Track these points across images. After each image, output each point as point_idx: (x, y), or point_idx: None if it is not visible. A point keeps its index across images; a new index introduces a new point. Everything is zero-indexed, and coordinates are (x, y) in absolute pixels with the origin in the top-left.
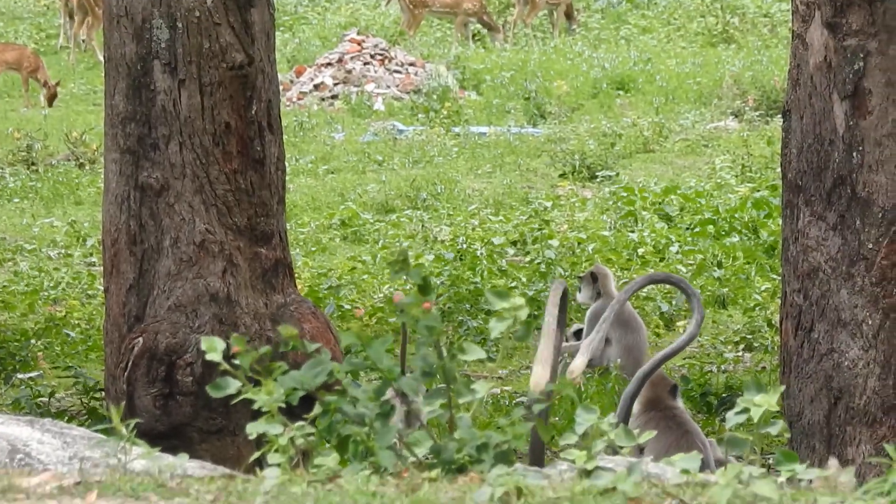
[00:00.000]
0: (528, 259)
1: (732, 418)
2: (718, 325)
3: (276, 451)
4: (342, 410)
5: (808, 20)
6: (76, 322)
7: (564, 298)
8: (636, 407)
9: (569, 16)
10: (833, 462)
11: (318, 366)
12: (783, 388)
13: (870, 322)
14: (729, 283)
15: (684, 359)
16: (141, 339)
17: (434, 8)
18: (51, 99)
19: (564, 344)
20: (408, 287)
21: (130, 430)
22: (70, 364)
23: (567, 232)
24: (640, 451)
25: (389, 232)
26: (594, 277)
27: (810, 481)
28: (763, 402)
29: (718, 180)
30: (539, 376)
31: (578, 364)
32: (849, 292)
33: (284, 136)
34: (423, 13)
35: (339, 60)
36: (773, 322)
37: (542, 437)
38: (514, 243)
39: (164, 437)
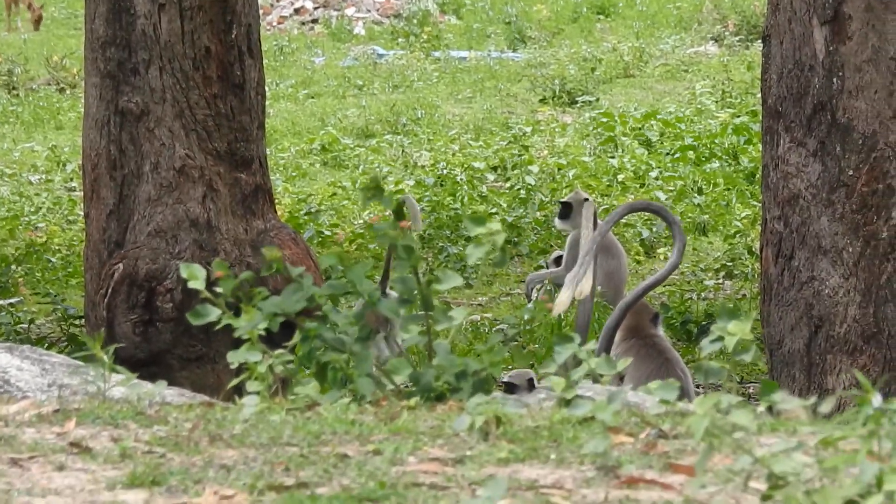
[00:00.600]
0: (508, 185)
1: (707, 346)
2: (699, 253)
3: (256, 378)
4: (322, 336)
5: None
6: (56, 248)
7: (595, 219)
8: (617, 334)
9: None
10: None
11: (298, 291)
12: (755, 315)
13: (850, 250)
14: (709, 209)
15: (665, 286)
16: (121, 265)
17: None
18: (37, 22)
19: (544, 272)
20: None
21: (110, 356)
22: (50, 290)
23: (547, 157)
24: (620, 379)
25: (370, 157)
26: (574, 204)
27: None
28: (736, 330)
29: (698, 106)
30: (564, 297)
31: (563, 299)
32: (829, 219)
33: (264, 61)
34: None
35: None
36: (753, 249)
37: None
38: (494, 169)
39: (144, 365)
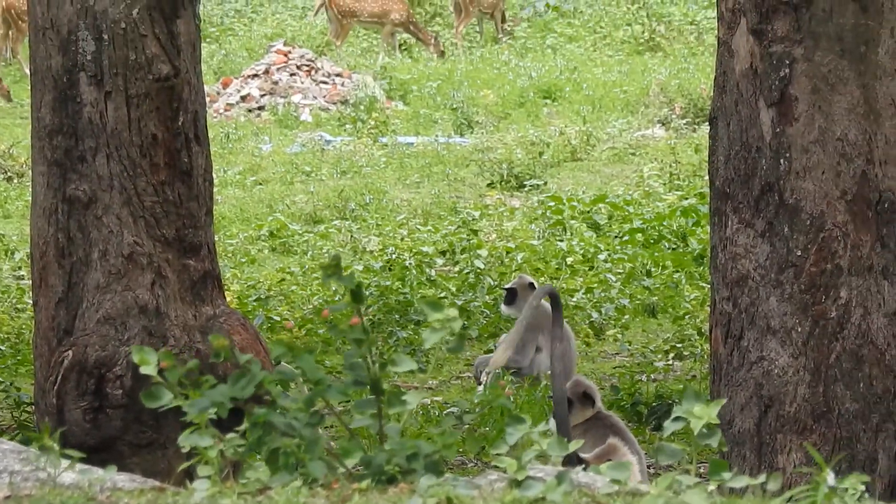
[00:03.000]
0: (456, 269)
1: (669, 426)
2: (648, 334)
3: (206, 463)
4: (271, 422)
5: (734, 27)
6: (5, 336)
7: (556, 300)
8: (582, 417)
9: (503, 21)
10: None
11: (246, 377)
12: (724, 400)
13: (799, 329)
14: (658, 291)
15: (614, 368)
16: (70, 352)
17: (361, 18)
18: (5, 96)
19: (489, 356)
20: (337, 298)
21: (59, 442)
22: (0, 379)
23: (496, 241)
24: (578, 459)
25: (318, 243)
26: (524, 289)
27: (741, 489)
28: (703, 413)
29: (646, 188)
30: (499, 356)
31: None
32: (778, 300)
33: (212, 148)
34: (351, 23)
35: (266, 72)
36: (702, 330)
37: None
38: (442, 253)
39: (95, 451)
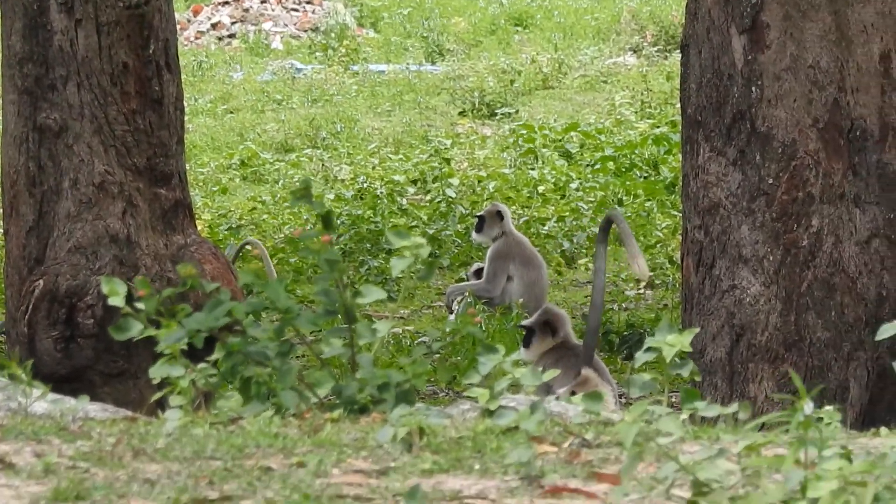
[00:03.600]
0: (428, 198)
1: (641, 357)
2: (620, 263)
3: (178, 393)
4: (244, 351)
5: None
6: None
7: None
8: (544, 346)
9: None
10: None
11: (218, 306)
12: (697, 329)
13: (771, 258)
14: (630, 220)
15: (586, 296)
16: (41, 281)
17: None
18: None
19: (465, 284)
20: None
21: (29, 372)
22: None
23: (467, 170)
24: (548, 389)
25: (289, 171)
26: (492, 217)
27: (714, 418)
28: (676, 342)
29: (618, 116)
30: (643, 266)
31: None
32: (749, 228)
33: (182, 76)
34: None
35: None
36: (674, 259)
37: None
38: (414, 182)
39: (66, 381)
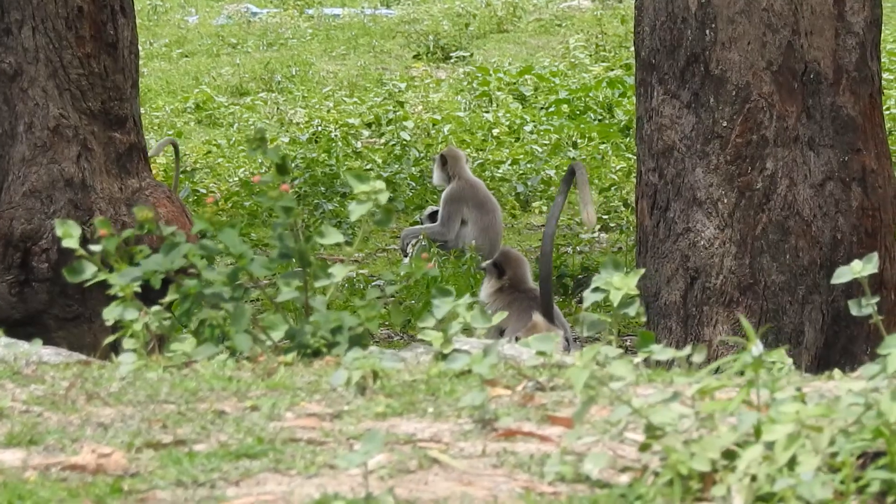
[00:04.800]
0: (383, 141)
1: (589, 297)
2: (574, 206)
3: (132, 336)
4: (200, 293)
5: None
6: None
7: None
8: (492, 287)
9: None
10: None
11: (174, 249)
12: (643, 270)
13: (725, 201)
14: (584, 162)
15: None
16: None
17: None
18: None
19: (419, 227)
20: (264, 171)
21: None
22: None
23: (422, 113)
24: (500, 332)
25: (244, 115)
26: (446, 160)
27: (668, 361)
28: (622, 284)
29: (572, 60)
30: (591, 214)
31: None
32: (704, 171)
33: (137, 20)
34: None
35: None
36: (629, 202)
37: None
38: (368, 125)
39: (21, 325)
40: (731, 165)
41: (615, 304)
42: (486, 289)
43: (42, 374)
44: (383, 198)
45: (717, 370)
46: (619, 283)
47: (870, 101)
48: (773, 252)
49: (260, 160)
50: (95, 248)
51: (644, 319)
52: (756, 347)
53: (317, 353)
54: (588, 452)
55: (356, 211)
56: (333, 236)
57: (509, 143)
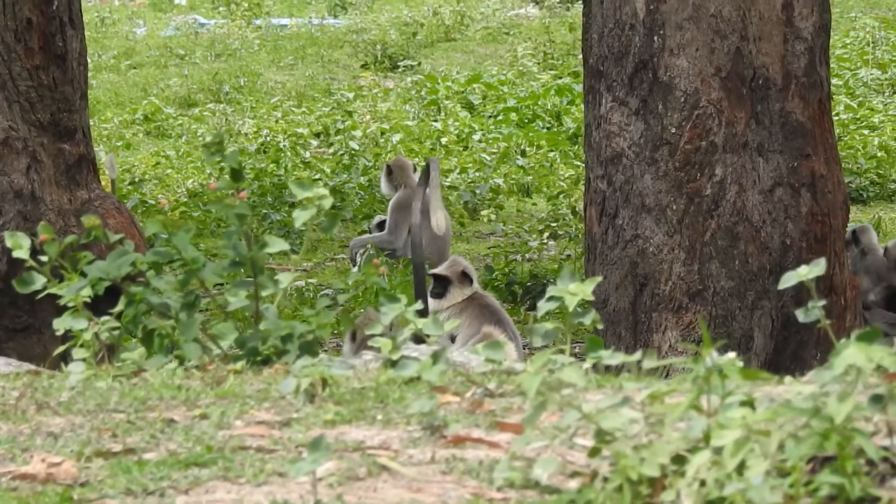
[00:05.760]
0: (331, 150)
1: (543, 306)
2: (523, 214)
3: (81, 345)
4: (147, 302)
5: None
6: None
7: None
8: (460, 296)
9: None
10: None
11: (122, 256)
12: (600, 278)
13: (674, 207)
14: (533, 171)
15: (489, 248)
16: None
17: None
18: None
19: (368, 236)
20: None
21: None
22: None
23: (370, 123)
24: (452, 340)
25: (192, 126)
26: (391, 170)
27: (617, 367)
28: (578, 290)
29: (521, 68)
30: (441, 219)
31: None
32: (653, 177)
33: (86, 32)
34: None
35: None
36: (577, 209)
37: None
38: (317, 135)
39: None
40: (679, 172)
41: (569, 311)
42: (452, 297)
43: None
44: (327, 204)
45: (666, 374)
46: (576, 290)
47: (819, 107)
48: (723, 258)
49: (209, 171)
50: (45, 258)
51: (601, 326)
52: (710, 357)
53: (266, 361)
54: (537, 458)
55: (300, 217)
56: (278, 245)
57: (458, 152)
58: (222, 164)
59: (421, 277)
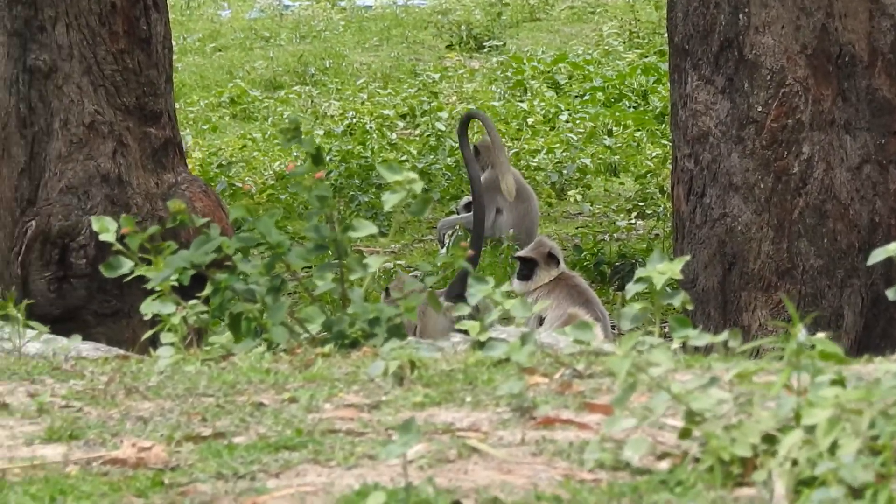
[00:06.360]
0: (417, 132)
1: (632, 289)
2: (611, 194)
3: (170, 330)
4: (233, 287)
5: None
6: None
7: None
8: (547, 277)
9: None
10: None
11: (207, 242)
12: (688, 257)
13: (762, 185)
14: (620, 150)
15: (577, 228)
16: (34, 222)
17: None
18: None
19: (455, 217)
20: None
21: (23, 312)
22: None
23: (456, 103)
24: (539, 321)
25: (278, 108)
26: (479, 150)
27: (706, 347)
28: (666, 270)
29: (606, 47)
30: (511, 184)
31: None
32: (739, 156)
33: (170, 15)
34: None
35: None
36: (665, 188)
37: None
38: (403, 116)
39: (60, 321)
40: (766, 150)
41: (658, 290)
42: (539, 279)
43: (81, 370)
44: (417, 187)
45: (757, 353)
46: (664, 269)
47: None
48: (811, 236)
49: (295, 153)
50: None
51: (691, 307)
52: (801, 333)
53: (354, 344)
54: (627, 439)
55: (390, 201)
56: (366, 228)
57: (544, 132)
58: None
59: (478, 248)
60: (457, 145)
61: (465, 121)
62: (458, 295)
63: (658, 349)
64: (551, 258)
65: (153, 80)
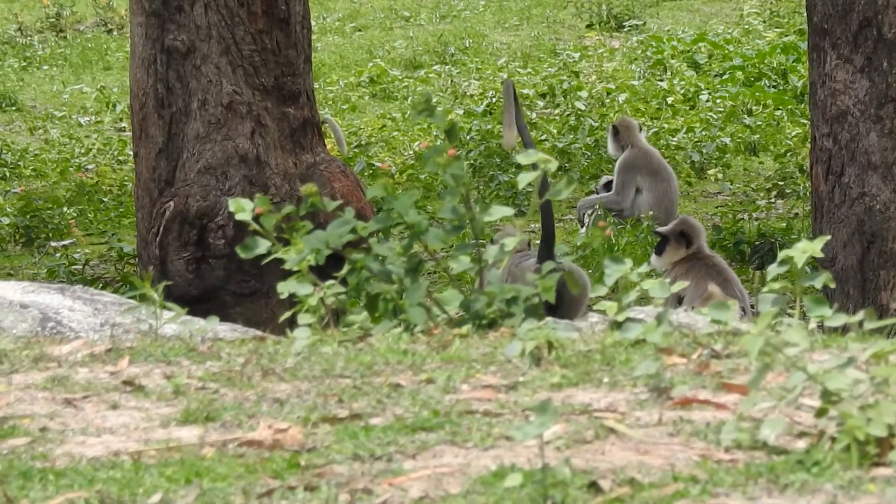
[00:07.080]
0: (557, 111)
1: (773, 270)
2: (750, 173)
3: (307, 311)
4: (370, 268)
5: None
6: (108, 188)
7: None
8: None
9: None
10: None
11: (343, 224)
12: (829, 237)
13: None
14: (759, 129)
15: (717, 207)
16: (172, 202)
17: None
18: None
19: (595, 197)
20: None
21: (161, 294)
22: (103, 230)
23: (596, 83)
24: (678, 300)
25: (418, 88)
26: (618, 130)
27: (844, 326)
28: (807, 248)
29: (746, 26)
30: (508, 137)
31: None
32: (878, 135)
33: None
34: None
35: None
36: (804, 167)
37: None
38: (543, 96)
39: (198, 302)
40: None
41: (799, 269)
42: (668, 256)
43: (218, 351)
44: (552, 167)
45: (892, 332)
46: (805, 248)
47: None
48: None
49: (434, 133)
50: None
51: (833, 285)
52: None
53: (491, 325)
54: (764, 419)
55: (524, 180)
56: (500, 211)
57: (684, 112)
58: (432, 124)
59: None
60: (597, 125)
61: (509, 90)
62: (546, 259)
63: (793, 329)
64: (682, 237)
65: (292, 60)
